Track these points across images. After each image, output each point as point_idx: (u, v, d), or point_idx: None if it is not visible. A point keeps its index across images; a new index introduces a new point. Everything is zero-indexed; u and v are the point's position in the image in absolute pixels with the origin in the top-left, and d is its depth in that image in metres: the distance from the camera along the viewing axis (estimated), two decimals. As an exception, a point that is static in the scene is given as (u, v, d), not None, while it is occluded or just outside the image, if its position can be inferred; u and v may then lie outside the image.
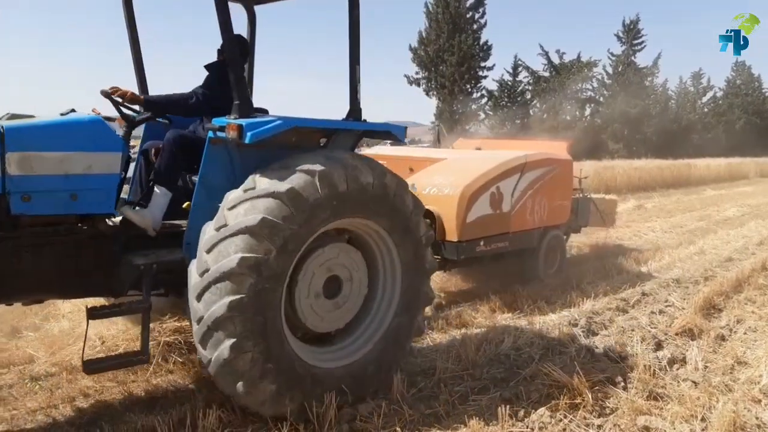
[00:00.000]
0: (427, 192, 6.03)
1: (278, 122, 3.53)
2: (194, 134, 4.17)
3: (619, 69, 49.54)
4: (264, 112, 4.13)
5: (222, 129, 3.52)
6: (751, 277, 7.50)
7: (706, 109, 61.00)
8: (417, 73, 39.64)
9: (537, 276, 7.14)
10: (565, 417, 3.69)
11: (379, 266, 4.01)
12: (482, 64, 39.82)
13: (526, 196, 6.69)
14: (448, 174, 6.32)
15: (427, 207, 5.46)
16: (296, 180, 3.32)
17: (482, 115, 42.83)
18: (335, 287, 3.77)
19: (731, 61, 63.25)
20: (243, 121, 3.48)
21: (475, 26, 39.22)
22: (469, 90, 39.72)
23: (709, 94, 62.30)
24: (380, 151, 8.15)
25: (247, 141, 3.41)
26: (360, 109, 4.09)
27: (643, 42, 50.08)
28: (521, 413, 3.72)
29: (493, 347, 4.83)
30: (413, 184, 5.99)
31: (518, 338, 5.04)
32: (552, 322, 5.45)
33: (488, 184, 6.16)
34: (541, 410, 3.75)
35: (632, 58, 50.01)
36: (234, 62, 3.65)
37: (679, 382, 4.29)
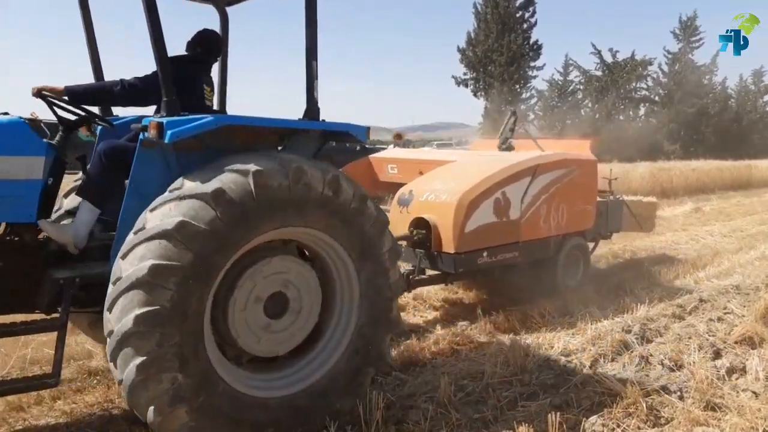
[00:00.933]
0: (424, 199, 5.63)
1: (204, 120, 3.20)
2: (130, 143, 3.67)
3: (676, 67, 47.98)
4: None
5: (145, 128, 3.19)
6: (818, 284, 7.14)
7: (767, 108, 58.32)
8: (465, 74, 39.47)
9: (555, 288, 6.53)
10: (618, 426, 3.61)
11: (336, 286, 3.63)
12: (532, 64, 39.32)
13: (539, 202, 6.12)
14: (449, 179, 5.86)
15: (422, 215, 5.46)
16: (226, 180, 2.98)
17: (531, 116, 42.23)
18: (280, 306, 3.37)
19: (795, 58, 60.27)
20: (164, 119, 3.16)
21: (525, 26, 38.78)
22: (519, 90, 39.22)
23: (772, 92, 59.52)
24: (390, 153, 7.69)
25: (166, 140, 3.07)
26: (317, 108, 3.77)
27: (701, 39, 48.44)
28: (572, 421, 3.65)
29: (543, 352, 4.76)
30: (411, 189, 5.78)
31: (568, 344, 4.95)
32: (604, 328, 5.32)
33: (491, 189, 5.62)
34: (593, 418, 3.68)
35: (690, 55, 48.34)
36: (161, 58, 3.27)
37: (738, 392, 4.13)
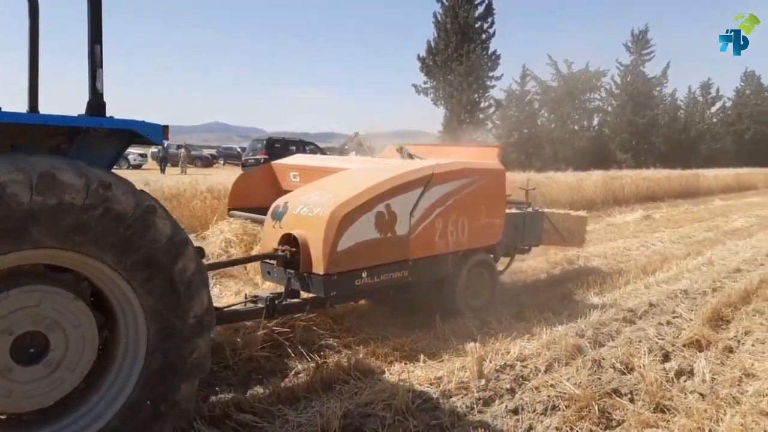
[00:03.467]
0: (297, 212, 4.94)
1: None
2: None
3: (628, 79, 49.51)
4: None
5: None
6: (760, 288, 7.45)
7: (714, 119, 60.88)
8: (425, 82, 39.79)
9: (457, 309, 5.94)
10: (571, 429, 3.68)
11: (119, 323, 2.99)
12: (490, 74, 39.88)
13: (433, 215, 5.48)
14: (328, 189, 5.17)
15: (292, 231, 4.80)
16: None
17: (489, 125, 42.86)
18: (39, 348, 2.72)
19: (740, 71, 63.12)
20: None
21: (483, 36, 39.35)
22: (477, 99, 39.76)
23: (718, 104, 62.32)
24: (292, 160, 7.02)
25: None
26: (102, 102, 3.17)
27: (651, 52, 50.19)
28: (526, 424, 3.71)
29: (500, 358, 4.80)
30: (286, 201, 5.11)
31: (524, 349, 5.02)
32: (558, 333, 5.42)
33: (371, 202, 4.94)
34: (547, 421, 3.75)
35: (641, 68, 50.00)
36: None
37: (686, 394, 4.27)
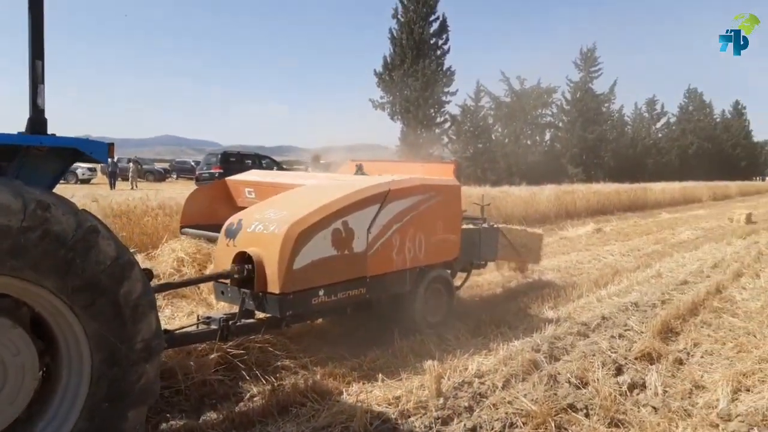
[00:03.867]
0: (251, 229, 4.82)
1: None
2: None
3: (577, 95, 51.01)
4: None
5: None
6: (706, 300, 7.70)
7: (660, 135, 63.20)
8: (382, 97, 40.04)
9: (415, 324, 5.92)
10: (529, 446, 3.69)
11: (61, 351, 2.84)
12: (446, 89, 40.44)
13: (390, 231, 5.45)
14: (284, 206, 5.08)
15: (246, 249, 4.70)
16: None
17: (445, 139, 43.39)
18: None
19: (683, 88, 65.85)
20: None
21: (438, 52, 39.92)
22: (433, 114, 40.22)
23: (663, 120, 64.78)
24: (247, 176, 6.95)
25: None
26: (44, 119, 3.08)
27: (599, 69, 51.86)
28: (485, 443, 3.70)
29: (458, 375, 4.80)
30: (240, 219, 5.00)
31: (482, 365, 5.04)
32: (515, 348, 5.46)
33: (328, 219, 4.87)
34: (505, 440, 3.74)
35: (589, 84, 51.60)
36: None
37: (639, 407, 4.34)
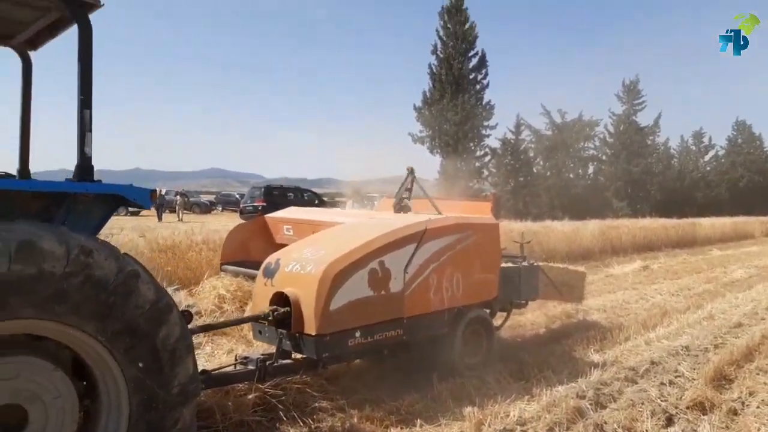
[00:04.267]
0: (289, 270, 4.78)
1: None
2: None
3: (621, 128, 50.30)
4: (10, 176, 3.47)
5: None
6: (762, 344, 7.32)
7: (708, 168, 61.52)
8: (421, 131, 40.27)
9: (454, 367, 5.76)
10: (574, 502, 3.53)
11: (101, 395, 2.90)
12: (485, 123, 40.46)
13: (427, 271, 5.36)
14: (321, 245, 5.02)
15: (283, 290, 4.65)
16: None
17: (486, 173, 43.23)
18: (17, 421, 2.62)
19: (731, 121, 64.25)
20: None
21: (477, 86, 40.09)
22: (473, 148, 40.21)
23: (711, 153, 63.15)
24: (286, 213, 6.95)
25: None
26: (91, 166, 3.19)
27: (643, 102, 51.23)
28: (528, 497, 3.55)
29: (499, 421, 4.66)
30: (278, 258, 4.98)
31: (524, 411, 4.88)
32: (559, 393, 5.28)
33: (365, 259, 4.80)
34: (549, 494, 3.59)
35: (633, 117, 50.87)
36: None
37: (692, 462, 4.12)
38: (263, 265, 5.07)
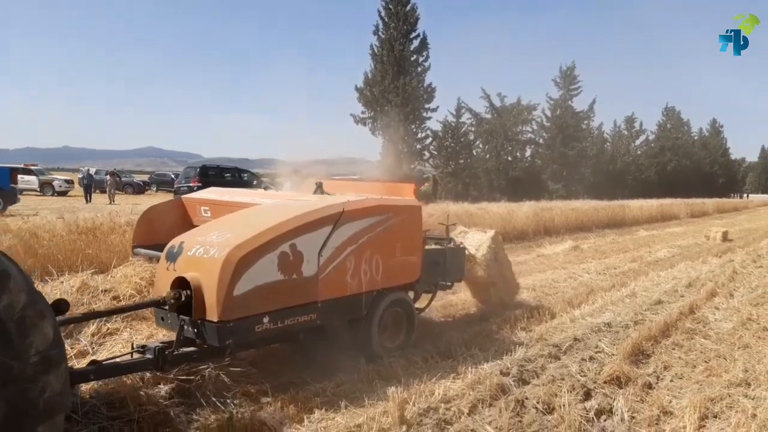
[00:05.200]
0: (192, 253, 4.56)
1: None
2: None
3: (557, 112, 51.59)
4: None
5: None
6: (679, 321, 7.67)
7: (639, 152, 64.02)
8: (363, 112, 40.08)
9: (372, 351, 5.70)
10: (491, 478, 3.57)
11: None
12: (426, 106, 40.65)
13: (344, 254, 5.22)
14: (229, 228, 4.84)
15: (185, 274, 4.45)
16: None
17: (427, 155, 43.54)
18: None
19: (661, 107, 66.95)
20: None
21: (419, 69, 40.15)
22: (414, 130, 40.37)
23: (642, 138, 65.68)
24: (203, 194, 6.77)
25: None
26: None
27: (579, 87, 52.56)
28: (446, 475, 3.58)
29: (423, 400, 4.67)
30: (182, 241, 4.77)
31: (449, 389, 4.91)
32: (484, 371, 5.35)
33: (274, 242, 4.61)
34: (466, 471, 3.62)
35: (569, 102, 52.25)
36: None
37: (605, 435, 4.26)
38: (166, 248, 4.84)
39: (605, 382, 5.30)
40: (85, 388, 4.47)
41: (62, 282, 6.17)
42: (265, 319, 4.62)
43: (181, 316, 4.45)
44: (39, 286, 6.03)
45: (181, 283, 4.46)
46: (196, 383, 4.74)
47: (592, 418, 4.53)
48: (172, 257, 4.71)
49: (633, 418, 4.59)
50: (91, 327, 5.48)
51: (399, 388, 4.67)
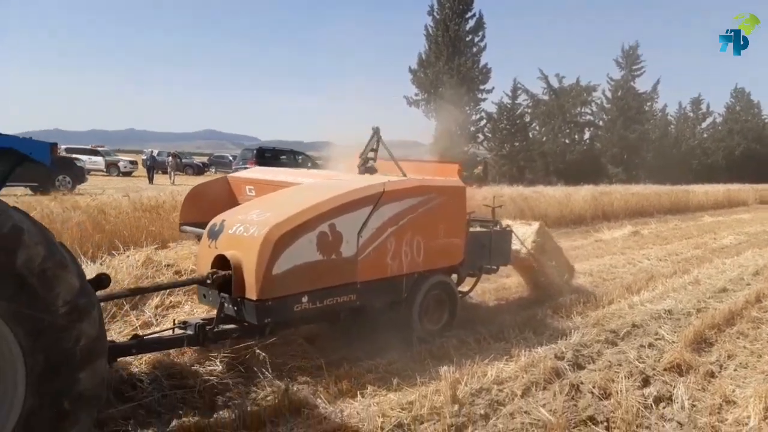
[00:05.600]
0: (233, 231, 4.57)
1: None
2: None
3: (618, 94, 49.83)
4: None
5: None
6: (745, 309, 7.37)
7: (705, 135, 61.24)
8: (416, 94, 39.83)
9: (413, 334, 5.64)
10: (544, 459, 3.55)
11: None
12: (481, 87, 40.04)
13: (384, 235, 5.14)
14: (270, 207, 4.83)
15: (225, 252, 4.46)
16: None
17: (481, 137, 42.97)
18: None
19: (730, 88, 63.71)
20: None
21: (474, 49, 39.52)
22: (468, 112, 39.87)
23: (709, 120, 62.73)
24: (249, 173, 6.80)
25: None
26: None
27: (642, 68, 50.55)
28: (498, 455, 3.57)
29: (476, 381, 4.67)
30: (224, 219, 4.77)
31: (502, 371, 4.90)
32: (538, 355, 5.30)
33: (313, 221, 4.57)
34: (519, 452, 3.61)
35: (631, 83, 50.33)
36: None
37: (664, 422, 4.16)
38: (208, 226, 4.86)
39: (665, 370, 5.16)
40: (147, 359, 4.68)
41: (128, 256, 6.43)
42: (304, 299, 4.61)
43: (222, 294, 4.48)
44: (107, 259, 6.32)
45: (221, 260, 4.49)
46: (252, 357, 4.89)
47: (651, 404, 4.42)
48: (213, 235, 4.73)
49: (693, 406, 4.46)
50: (155, 300, 5.71)
51: (451, 368, 4.69)
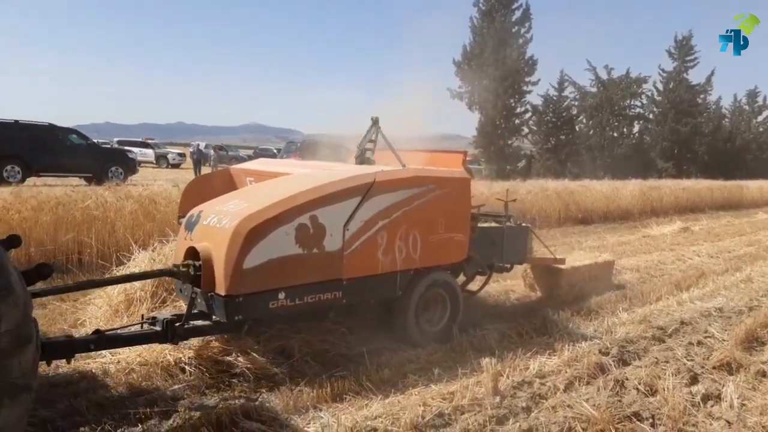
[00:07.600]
0: (207, 223, 4.31)
1: None
2: None
3: (671, 86, 48.29)
4: None
5: None
6: (801, 308, 7.09)
7: (761, 129, 58.76)
8: (460, 86, 39.47)
9: (408, 335, 5.33)
10: (586, 453, 3.52)
11: None
12: (527, 79, 39.38)
13: (374, 229, 4.77)
14: (248, 197, 4.58)
15: (196, 245, 4.22)
16: None
17: (525, 130, 42.32)
18: None
19: (790, 79, 60.86)
20: None
21: (520, 41, 38.88)
22: (513, 104, 39.31)
23: (765, 113, 60.02)
24: (249, 165, 6.57)
25: None
26: None
27: (696, 59, 48.75)
28: (539, 447, 3.56)
29: (518, 374, 4.67)
30: (200, 210, 4.51)
31: (544, 365, 4.87)
32: (581, 349, 5.24)
33: (290, 213, 4.24)
34: (561, 445, 3.59)
35: (684, 74, 48.67)
36: None
37: (711, 421, 4.06)
38: (186, 217, 4.66)
39: (714, 368, 5.02)
40: (195, 343, 4.83)
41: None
42: (281, 295, 4.29)
43: (194, 288, 4.25)
44: (158, 246, 6.52)
45: (194, 253, 4.26)
46: (300, 343, 4.99)
47: (698, 402, 4.32)
48: (189, 226, 4.50)
49: (743, 405, 4.32)
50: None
51: (493, 360, 4.67)
